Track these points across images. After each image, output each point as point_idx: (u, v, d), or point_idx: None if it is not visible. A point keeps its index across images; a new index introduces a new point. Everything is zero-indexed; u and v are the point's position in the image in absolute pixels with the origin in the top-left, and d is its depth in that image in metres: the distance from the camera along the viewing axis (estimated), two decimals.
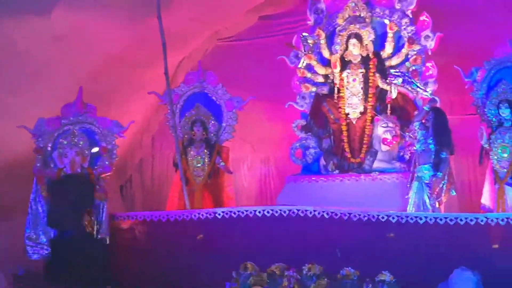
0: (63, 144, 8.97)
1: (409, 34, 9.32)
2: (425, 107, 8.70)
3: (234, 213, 8.68)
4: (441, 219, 7.92)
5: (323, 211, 8.34)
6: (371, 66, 9.36)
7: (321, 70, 9.69)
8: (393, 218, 8.08)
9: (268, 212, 8.55)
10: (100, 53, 9.92)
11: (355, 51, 9.39)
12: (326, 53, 9.71)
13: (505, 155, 8.39)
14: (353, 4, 9.49)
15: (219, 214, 8.74)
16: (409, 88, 9.14)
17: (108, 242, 8.77)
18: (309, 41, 9.77)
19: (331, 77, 9.61)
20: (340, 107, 9.44)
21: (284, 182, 9.78)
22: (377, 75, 9.33)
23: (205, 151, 9.70)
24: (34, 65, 9.36)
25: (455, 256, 7.71)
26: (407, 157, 8.89)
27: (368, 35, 9.38)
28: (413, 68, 9.26)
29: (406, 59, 9.34)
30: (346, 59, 9.47)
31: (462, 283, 7.44)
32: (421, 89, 9.07)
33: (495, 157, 8.45)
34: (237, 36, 11.64)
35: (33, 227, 8.78)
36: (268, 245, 8.35)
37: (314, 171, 9.57)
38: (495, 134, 8.51)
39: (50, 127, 9.15)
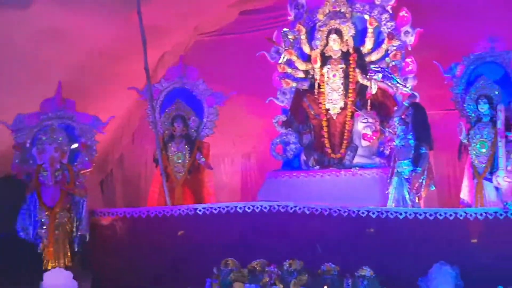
0: (42, 140, 8.90)
1: (389, 30, 9.33)
2: (404, 103, 8.72)
3: (215, 209, 8.66)
4: (420, 214, 7.96)
5: (304, 207, 8.33)
6: (351, 61, 9.35)
7: (301, 65, 9.67)
8: (373, 213, 8.10)
9: (248, 208, 8.52)
10: (80, 48, 9.84)
11: (335, 46, 9.37)
12: (306, 49, 9.68)
13: (484, 150, 8.41)
14: (333, 0, 9.45)
15: (199, 210, 8.71)
16: (389, 84, 9.15)
17: (88, 239, 8.69)
18: (290, 37, 9.74)
19: (312, 73, 9.60)
20: (320, 103, 9.43)
21: (264, 177, 9.74)
22: (357, 70, 9.32)
23: (186, 147, 9.65)
24: (14, 59, 9.24)
25: (434, 250, 7.75)
26: (387, 152, 8.88)
27: (348, 31, 9.37)
28: (393, 63, 9.26)
29: (386, 54, 9.34)
30: (326, 55, 9.46)
31: (441, 277, 7.48)
32: (401, 84, 9.08)
33: (474, 152, 8.47)
34: (219, 31, 11.59)
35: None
36: (249, 241, 8.35)
37: (295, 166, 9.56)
38: (474, 129, 8.52)
39: (29, 122, 9.07)
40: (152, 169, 10.32)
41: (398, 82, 9.07)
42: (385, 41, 9.29)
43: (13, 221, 8.64)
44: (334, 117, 9.38)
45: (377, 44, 9.42)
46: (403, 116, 8.56)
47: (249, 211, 8.51)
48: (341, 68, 9.38)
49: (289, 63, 9.72)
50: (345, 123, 9.30)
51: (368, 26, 9.33)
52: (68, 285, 8.15)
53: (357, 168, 9.07)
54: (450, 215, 7.86)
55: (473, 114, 8.61)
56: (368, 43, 9.39)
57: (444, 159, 10.03)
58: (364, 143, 9.17)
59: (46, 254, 8.47)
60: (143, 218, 8.89)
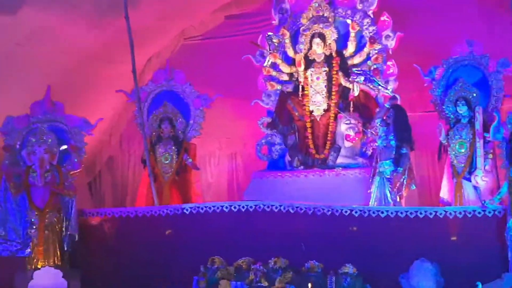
0: (31, 142, 8.87)
1: (371, 34, 9.35)
2: (386, 105, 8.75)
3: (202, 209, 8.66)
4: (402, 213, 8.01)
5: (289, 206, 8.36)
6: (334, 64, 9.38)
7: (285, 68, 9.68)
8: (356, 212, 8.13)
9: (235, 207, 8.53)
10: (68, 52, 9.81)
11: (318, 50, 9.39)
12: (290, 52, 9.70)
13: (463, 150, 8.45)
14: (317, 4, 9.49)
15: (186, 210, 8.70)
16: (371, 86, 9.17)
17: (77, 238, 8.66)
18: (274, 40, 9.74)
19: (296, 76, 9.61)
20: (304, 105, 9.44)
21: (250, 177, 9.74)
22: (340, 73, 9.35)
23: (173, 148, 9.64)
24: (3, 63, 9.19)
25: (415, 248, 7.79)
26: (369, 153, 8.91)
27: (331, 35, 9.40)
28: (375, 66, 9.28)
29: (368, 58, 9.36)
30: (310, 58, 9.47)
31: (422, 274, 7.52)
32: (382, 87, 9.11)
33: (453, 153, 8.51)
34: (204, 35, 11.59)
35: (2, 224, 8.64)
36: (235, 239, 8.35)
37: (280, 167, 9.54)
38: (453, 130, 8.55)
39: (19, 125, 9.05)
40: (140, 170, 10.30)
41: (379, 85, 9.10)
42: (367, 45, 9.31)
43: None
44: (318, 119, 9.39)
45: (359, 48, 9.44)
46: (384, 118, 8.59)
47: (235, 210, 8.52)
48: (325, 71, 9.41)
49: (274, 66, 9.72)
50: (329, 125, 9.32)
51: (351, 30, 9.35)
52: (57, 284, 8.12)
53: (340, 168, 9.08)
54: (430, 213, 7.92)
55: (452, 116, 8.65)
56: (351, 47, 9.42)
57: (425, 159, 10.08)
58: (347, 144, 9.19)
59: (36, 254, 8.44)
60: (131, 218, 8.88)
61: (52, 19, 9.19)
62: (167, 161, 9.61)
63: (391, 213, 8.02)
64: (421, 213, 7.93)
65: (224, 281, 7.77)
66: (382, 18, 9.39)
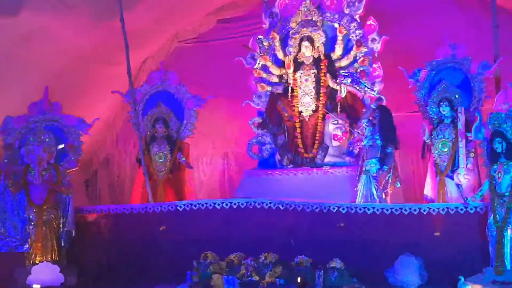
0: (30, 141, 8.86)
1: (357, 37, 9.38)
2: (372, 105, 8.78)
3: (195, 206, 8.66)
4: (387, 209, 8.02)
5: (279, 203, 8.36)
6: (322, 67, 9.40)
7: (275, 70, 9.69)
8: (343, 209, 8.15)
9: (226, 204, 8.54)
10: (65, 53, 9.78)
11: (307, 53, 9.41)
12: (280, 55, 9.71)
13: (446, 149, 8.47)
14: (305, 9, 9.51)
15: (180, 207, 8.70)
16: (358, 88, 9.19)
17: (74, 234, 8.64)
18: (265, 43, 9.76)
19: (285, 77, 9.63)
20: (293, 106, 9.46)
21: (242, 175, 9.75)
22: (328, 75, 9.37)
23: (167, 147, 9.63)
24: (2, 64, 9.15)
25: (400, 243, 7.81)
26: (355, 152, 8.93)
27: (319, 38, 9.42)
28: (361, 69, 9.31)
29: (355, 60, 9.39)
30: (299, 61, 9.49)
31: (407, 268, 7.55)
32: (369, 88, 9.14)
33: (436, 152, 8.53)
34: (197, 38, 11.58)
35: (1, 220, 8.63)
36: (226, 235, 8.35)
37: (270, 165, 9.56)
38: (436, 130, 8.57)
39: (18, 124, 9.02)
40: (135, 168, 10.29)
41: (366, 86, 9.13)
42: (354, 48, 9.34)
43: None
44: (307, 119, 9.41)
45: (346, 51, 9.47)
46: (370, 118, 8.62)
47: (227, 207, 8.52)
48: (313, 73, 9.43)
49: (264, 68, 9.74)
50: (317, 125, 9.34)
51: (338, 34, 9.37)
52: (55, 279, 8.10)
53: (328, 166, 9.10)
54: (415, 210, 7.94)
55: (435, 116, 8.67)
56: (338, 50, 9.44)
57: (409, 158, 10.09)
58: (335, 143, 9.22)
59: (34, 249, 8.41)
60: (126, 215, 8.87)
61: (49, 21, 9.16)
62: (161, 160, 9.61)
63: (377, 210, 8.03)
64: (405, 210, 7.95)
65: (216, 276, 7.76)
66: (368, 22, 9.42)
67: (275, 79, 9.73)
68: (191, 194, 9.81)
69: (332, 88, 9.36)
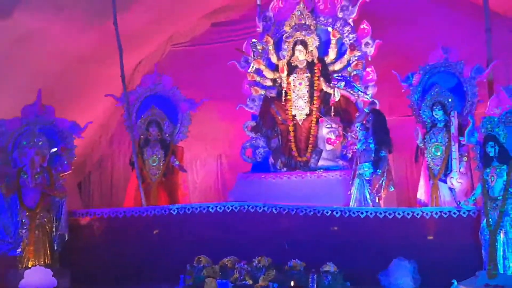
0: (23, 144, 8.83)
1: (351, 41, 9.37)
2: (365, 109, 8.77)
3: (188, 209, 8.63)
4: (380, 213, 8.01)
5: (272, 207, 8.34)
6: (315, 70, 9.38)
7: (269, 74, 9.67)
8: (336, 212, 8.13)
9: (220, 208, 8.51)
10: (59, 55, 9.74)
11: (301, 56, 9.39)
12: (274, 59, 9.69)
13: (439, 153, 8.47)
14: (299, 13, 9.49)
15: (173, 211, 8.67)
16: (351, 92, 9.18)
17: (67, 238, 8.59)
18: (258, 47, 9.73)
19: (279, 81, 9.60)
20: (287, 109, 9.43)
21: (235, 179, 9.71)
22: (322, 79, 9.35)
23: (161, 150, 9.60)
24: None
25: (393, 247, 7.81)
26: (349, 155, 8.91)
27: (313, 42, 9.40)
28: (355, 72, 9.30)
29: (348, 64, 9.37)
30: (292, 64, 9.47)
31: (400, 271, 7.54)
32: (362, 92, 9.13)
33: (430, 155, 8.52)
34: (191, 41, 11.56)
35: None
36: (220, 239, 8.32)
37: (264, 169, 9.53)
38: (429, 134, 8.57)
39: (11, 127, 8.97)
40: (128, 172, 10.23)
41: (359, 90, 9.12)
42: (347, 52, 9.33)
43: None
44: (300, 123, 9.39)
45: (340, 55, 9.45)
46: (364, 122, 8.61)
47: (220, 211, 8.49)
48: (307, 77, 9.41)
49: (258, 72, 9.71)
50: (310, 128, 9.32)
51: (332, 37, 9.35)
52: (47, 282, 8.05)
53: (321, 170, 9.08)
54: (408, 214, 7.93)
55: (428, 120, 8.66)
56: (332, 54, 9.43)
57: (402, 161, 10.10)
58: (328, 147, 9.20)
59: (27, 253, 8.36)
60: (119, 218, 8.83)
61: (43, 23, 9.12)
62: (155, 164, 9.57)
63: (371, 213, 8.02)
64: (399, 214, 7.95)
65: (209, 279, 7.73)
66: (361, 26, 9.41)
67: (269, 83, 9.71)
68: (185, 197, 9.78)
69: (326, 92, 9.34)
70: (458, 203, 7.85)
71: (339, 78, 9.21)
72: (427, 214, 7.87)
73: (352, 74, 9.30)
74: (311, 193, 8.70)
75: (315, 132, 9.28)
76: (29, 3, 8.81)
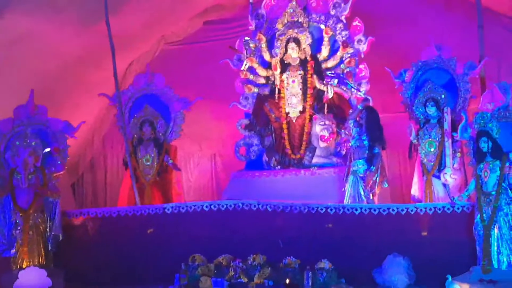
0: (16, 144, 8.77)
1: (343, 38, 9.38)
2: (359, 106, 8.77)
3: (182, 208, 8.61)
4: (375, 210, 8.02)
5: (266, 205, 8.34)
6: (308, 68, 9.38)
7: (262, 72, 9.67)
8: (331, 209, 8.13)
9: (214, 206, 8.50)
10: (52, 56, 9.72)
11: (293, 54, 9.40)
12: (267, 56, 9.69)
13: (432, 149, 8.49)
14: (291, 10, 9.50)
15: (168, 209, 8.65)
16: (344, 89, 9.20)
17: (61, 238, 8.57)
18: (251, 45, 9.73)
19: (272, 79, 9.61)
20: (280, 107, 9.44)
21: (229, 177, 9.72)
22: (315, 76, 9.36)
23: (154, 150, 9.59)
24: None
25: (388, 243, 7.81)
26: (343, 152, 8.91)
27: (306, 39, 9.41)
28: (348, 69, 9.32)
29: (341, 61, 9.39)
30: (285, 62, 9.48)
31: (394, 268, 7.56)
32: (355, 89, 9.15)
33: (423, 152, 8.54)
34: (184, 40, 11.55)
35: None
36: (215, 237, 8.31)
37: (258, 166, 9.53)
38: (422, 130, 8.59)
39: (3, 128, 8.94)
40: (122, 171, 10.22)
41: (352, 87, 9.14)
42: (340, 49, 9.34)
43: None
44: (294, 120, 9.40)
45: (333, 52, 9.47)
46: (357, 119, 8.62)
47: (215, 209, 8.48)
48: (300, 74, 9.41)
49: (251, 70, 9.71)
50: (304, 126, 9.32)
51: (324, 35, 9.37)
52: (42, 283, 8.04)
53: (315, 167, 9.09)
54: (402, 210, 7.94)
55: (421, 116, 8.68)
56: (324, 51, 9.44)
57: (396, 158, 10.13)
58: (322, 144, 9.20)
59: (21, 254, 8.33)
60: (113, 218, 8.80)
61: (36, 24, 9.10)
62: (148, 163, 9.56)
63: (365, 210, 8.03)
64: (393, 210, 7.95)
65: (204, 278, 7.73)
66: (354, 23, 9.43)
67: (262, 81, 9.71)
68: (179, 196, 9.78)
69: (319, 89, 9.35)
70: (452, 198, 7.85)
71: (332, 75, 9.23)
72: (421, 210, 7.87)
73: (345, 71, 9.32)
74: (306, 191, 8.70)
75: (308, 129, 9.29)
76: (21, 4, 8.79)
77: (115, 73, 9.44)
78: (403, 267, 7.53)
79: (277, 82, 9.49)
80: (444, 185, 8.36)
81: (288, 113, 9.41)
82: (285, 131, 9.38)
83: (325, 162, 9.14)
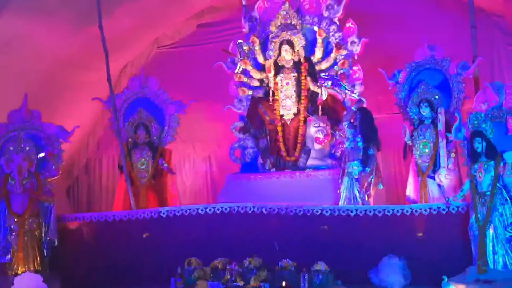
0: (9, 150, 8.76)
1: (337, 40, 9.39)
2: (353, 108, 8.79)
3: (178, 212, 8.61)
4: (370, 211, 8.03)
5: (262, 207, 8.34)
6: (302, 70, 9.38)
7: (256, 74, 9.67)
8: (326, 211, 8.14)
9: (210, 209, 8.50)
10: (45, 60, 9.71)
11: (287, 56, 9.40)
12: (260, 59, 9.69)
13: (426, 150, 8.50)
14: (285, 12, 9.49)
15: (163, 213, 8.65)
16: (338, 90, 9.20)
17: (56, 243, 8.55)
18: (245, 48, 9.74)
19: (266, 81, 9.61)
20: (275, 109, 9.43)
21: (224, 180, 9.71)
22: (309, 78, 9.36)
23: (149, 153, 9.59)
24: None
25: (383, 244, 7.83)
26: (338, 154, 8.91)
27: (299, 41, 9.40)
28: (341, 71, 9.32)
29: (335, 63, 9.39)
30: (279, 64, 9.47)
31: (390, 269, 7.58)
32: (349, 90, 9.16)
33: (418, 152, 8.55)
34: (177, 43, 11.55)
35: None
36: (210, 241, 8.32)
37: (253, 169, 9.52)
38: (417, 131, 8.60)
39: None
40: (117, 175, 10.21)
41: (346, 89, 9.15)
42: (334, 51, 9.34)
43: None
44: (288, 123, 9.39)
45: (326, 54, 9.47)
46: (352, 120, 8.63)
47: (210, 212, 8.48)
48: (294, 76, 9.41)
49: (245, 72, 9.71)
50: (299, 128, 9.32)
51: (318, 37, 9.36)
52: None
53: (310, 169, 9.07)
54: (397, 211, 7.96)
55: (415, 117, 8.69)
56: (318, 53, 9.44)
57: (391, 159, 10.12)
58: (317, 146, 9.20)
59: (16, 259, 8.32)
60: (109, 222, 8.80)
61: (29, 27, 9.09)
62: (143, 166, 9.56)
63: (360, 211, 8.04)
64: (388, 211, 7.97)
65: (201, 281, 7.71)
66: (347, 25, 9.43)
67: (256, 83, 9.71)
68: (174, 199, 9.77)
69: (313, 91, 9.35)
70: (447, 199, 7.87)
71: (326, 77, 9.25)
72: (416, 211, 7.89)
73: (339, 72, 9.33)
74: (301, 193, 8.69)
75: (303, 131, 9.28)
76: (14, 7, 8.77)
77: (108, 76, 9.43)
78: (399, 268, 7.55)
79: (271, 84, 9.49)
80: (439, 185, 8.36)
81: (283, 115, 9.41)
82: (280, 133, 9.37)
83: (320, 164, 9.14)
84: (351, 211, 8.06)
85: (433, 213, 7.83)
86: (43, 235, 8.53)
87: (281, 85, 9.43)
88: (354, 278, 7.75)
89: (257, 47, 9.66)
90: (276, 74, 9.46)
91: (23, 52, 9.30)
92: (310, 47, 9.51)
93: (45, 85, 9.79)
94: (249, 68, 9.67)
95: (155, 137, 9.70)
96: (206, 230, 8.39)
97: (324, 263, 7.69)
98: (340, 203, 8.40)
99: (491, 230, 7.28)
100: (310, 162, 9.19)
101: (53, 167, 8.86)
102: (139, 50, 11.41)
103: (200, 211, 8.49)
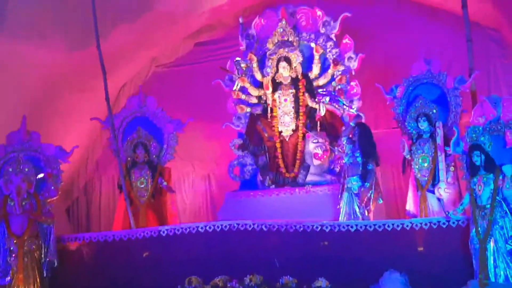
0: (8, 171, 8.75)
1: (334, 56, 9.45)
2: (351, 123, 8.81)
3: (178, 230, 8.60)
4: (370, 226, 8.02)
5: (262, 224, 8.33)
6: (300, 86, 9.43)
7: (254, 91, 9.72)
8: (326, 227, 8.13)
9: (210, 227, 8.49)
10: (43, 80, 9.74)
11: (285, 73, 9.45)
12: (258, 76, 9.75)
13: (425, 164, 8.51)
14: (281, 30, 9.56)
15: (163, 232, 8.63)
16: (336, 106, 9.25)
17: (56, 264, 8.54)
18: (242, 65, 9.79)
19: (264, 98, 9.66)
20: (273, 126, 9.47)
21: (224, 198, 9.71)
22: (306, 94, 9.40)
23: (148, 172, 9.59)
24: None
25: (384, 259, 7.80)
26: (337, 169, 8.92)
27: (296, 58, 9.46)
28: (339, 87, 9.37)
29: (332, 79, 9.45)
30: (277, 81, 9.52)
31: (391, 284, 7.54)
32: (347, 106, 9.20)
33: (417, 167, 8.56)
34: (175, 61, 11.61)
35: None
36: (211, 259, 8.29)
37: (252, 186, 9.53)
38: (415, 145, 8.62)
39: None
40: (116, 194, 10.22)
41: (344, 104, 9.19)
42: (331, 67, 9.40)
43: None
44: (287, 139, 9.42)
45: (324, 70, 9.52)
46: (350, 136, 8.65)
47: (210, 230, 8.47)
48: (292, 93, 9.46)
49: (243, 90, 9.75)
50: (297, 144, 9.35)
51: (315, 53, 9.43)
52: None
53: (310, 185, 9.09)
54: (398, 225, 7.95)
55: (414, 131, 8.71)
56: (315, 69, 9.50)
57: (390, 173, 10.13)
58: (316, 162, 9.22)
59: (16, 281, 8.29)
60: (109, 242, 8.77)
61: (25, 47, 9.13)
62: (143, 185, 9.56)
63: (360, 227, 8.03)
64: (388, 226, 7.96)
65: None
66: (344, 41, 9.49)
67: (254, 100, 9.75)
68: (174, 217, 9.76)
69: (311, 107, 9.39)
70: (446, 213, 7.87)
71: (324, 93, 9.30)
72: (416, 225, 7.88)
73: (337, 88, 9.37)
74: (300, 209, 8.69)
75: (302, 147, 9.31)
76: (11, 28, 8.83)
77: (107, 96, 9.46)
78: (400, 283, 7.52)
79: (269, 101, 9.54)
80: (439, 199, 8.35)
81: (281, 131, 9.44)
82: (279, 150, 9.40)
83: (319, 180, 9.15)
84: (351, 227, 8.05)
85: (433, 227, 7.81)
86: (42, 256, 8.50)
87: (279, 102, 9.48)
88: None
89: (254, 65, 9.72)
90: (274, 91, 9.51)
91: (20, 73, 9.34)
92: (307, 63, 9.58)
93: (43, 106, 9.83)
94: (247, 85, 9.71)
95: (154, 156, 9.72)
96: (206, 248, 8.37)
97: (325, 279, 7.68)
98: (340, 218, 8.40)
99: (491, 244, 7.27)
100: (310, 178, 9.21)
101: (53, 187, 8.87)
102: (137, 69, 11.47)
103: (200, 229, 8.48)
